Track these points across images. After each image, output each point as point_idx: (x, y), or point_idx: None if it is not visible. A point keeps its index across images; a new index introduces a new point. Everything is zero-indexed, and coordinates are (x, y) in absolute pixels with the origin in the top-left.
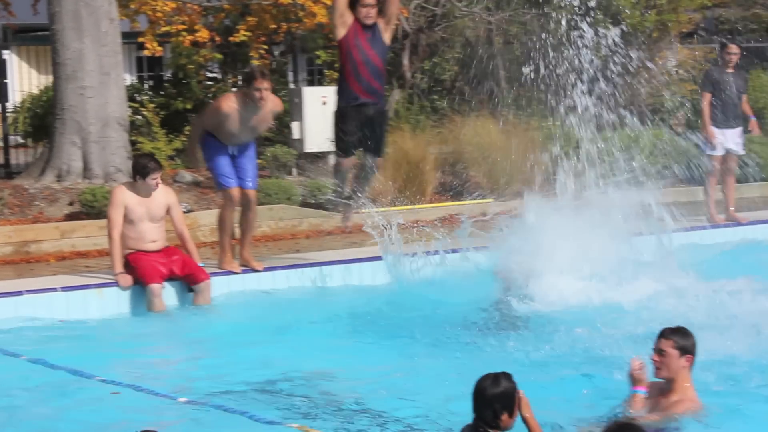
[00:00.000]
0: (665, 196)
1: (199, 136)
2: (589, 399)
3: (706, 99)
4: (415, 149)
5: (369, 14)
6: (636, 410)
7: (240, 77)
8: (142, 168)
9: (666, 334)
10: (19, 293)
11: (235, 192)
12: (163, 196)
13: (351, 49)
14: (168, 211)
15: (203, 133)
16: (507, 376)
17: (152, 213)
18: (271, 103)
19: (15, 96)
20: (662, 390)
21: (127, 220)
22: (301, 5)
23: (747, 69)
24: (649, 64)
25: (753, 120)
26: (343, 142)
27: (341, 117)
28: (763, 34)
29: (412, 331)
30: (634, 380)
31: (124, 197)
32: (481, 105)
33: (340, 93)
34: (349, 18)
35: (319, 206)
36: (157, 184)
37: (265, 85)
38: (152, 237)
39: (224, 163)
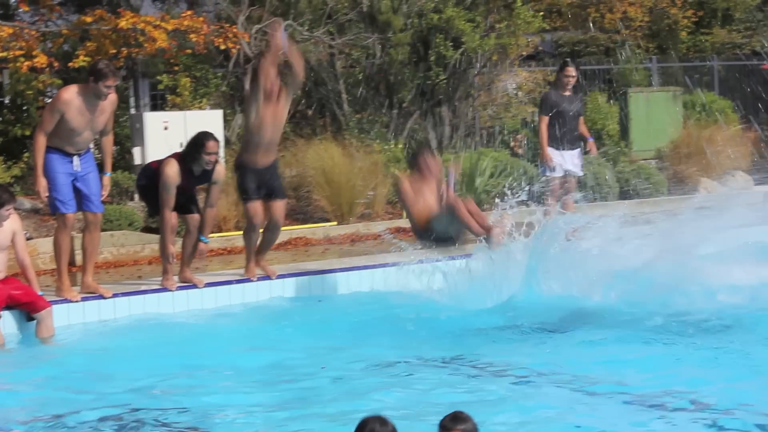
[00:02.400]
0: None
1: (43, 148)
2: None
3: (544, 121)
4: None
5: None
6: None
7: None
8: None
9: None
10: None
11: (70, 217)
12: (9, 223)
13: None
14: (12, 238)
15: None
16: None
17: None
18: (114, 97)
19: None
20: None
21: None
22: (141, 30)
23: (586, 91)
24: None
25: (591, 141)
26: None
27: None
28: (601, 57)
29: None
30: None
31: None
32: (324, 129)
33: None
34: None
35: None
36: (8, 215)
37: (115, 83)
38: None
39: (64, 185)
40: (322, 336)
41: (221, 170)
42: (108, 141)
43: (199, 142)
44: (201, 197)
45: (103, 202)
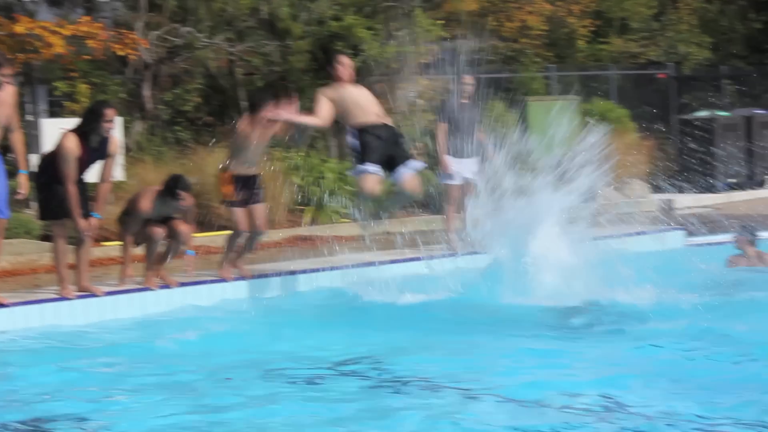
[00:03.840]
0: (406, 224)
1: None
2: None
3: (442, 129)
4: (157, 181)
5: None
6: None
7: None
8: None
9: None
10: None
11: None
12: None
13: None
14: None
15: None
16: None
17: None
18: (12, 89)
19: None
20: None
21: None
22: (37, 36)
23: (486, 99)
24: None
25: (490, 146)
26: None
27: None
28: (500, 65)
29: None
30: None
31: None
32: (224, 136)
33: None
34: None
35: None
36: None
37: (11, 73)
38: None
39: None
40: (225, 344)
41: (116, 143)
42: (17, 137)
43: (98, 110)
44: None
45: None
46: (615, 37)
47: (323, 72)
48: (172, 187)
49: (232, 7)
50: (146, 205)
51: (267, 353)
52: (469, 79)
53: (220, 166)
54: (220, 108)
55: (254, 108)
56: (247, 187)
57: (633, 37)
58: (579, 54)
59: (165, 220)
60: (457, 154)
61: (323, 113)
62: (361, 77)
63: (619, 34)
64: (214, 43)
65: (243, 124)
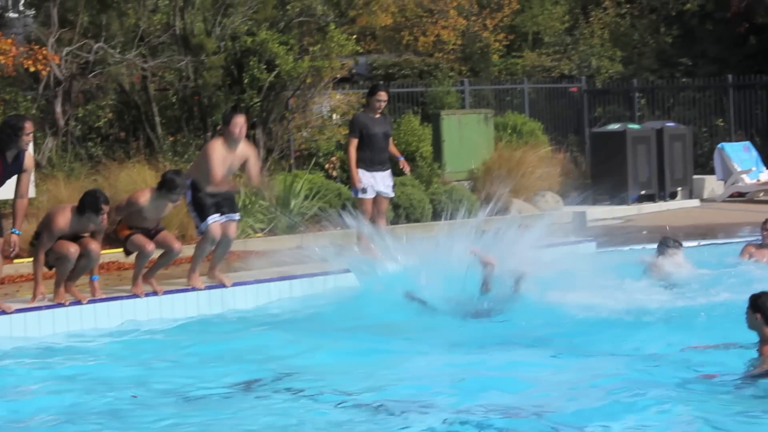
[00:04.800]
0: (319, 238)
1: None
2: None
3: (353, 144)
4: (69, 198)
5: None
6: None
7: None
8: None
9: None
10: None
11: None
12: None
13: None
14: None
15: None
16: None
17: None
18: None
19: None
20: None
21: None
22: None
23: (401, 113)
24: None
25: (401, 159)
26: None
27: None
28: (415, 79)
29: None
30: None
31: None
32: (137, 152)
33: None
34: None
35: None
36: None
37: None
38: None
39: None
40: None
41: (30, 158)
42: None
43: (17, 125)
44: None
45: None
46: (528, 52)
47: (237, 87)
48: (92, 203)
49: (146, 23)
50: (62, 222)
51: (170, 375)
52: (382, 95)
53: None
54: (133, 124)
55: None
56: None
57: (546, 51)
58: (493, 68)
59: (75, 238)
60: (371, 168)
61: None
62: (276, 92)
63: (533, 49)
64: (127, 58)
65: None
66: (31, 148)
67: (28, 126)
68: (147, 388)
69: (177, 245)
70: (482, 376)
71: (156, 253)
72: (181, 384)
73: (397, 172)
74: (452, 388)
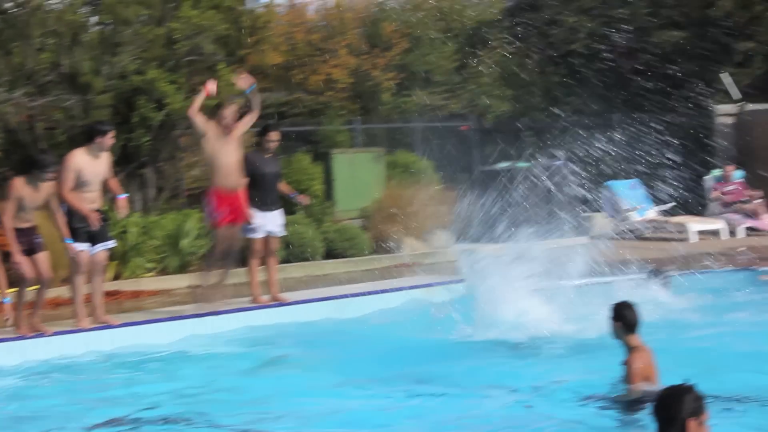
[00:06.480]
0: (210, 278)
1: None
2: None
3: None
4: None
5: None
6: None
7: None
8: None
9: None
10: None
11: None
12: None
13: None
14: None
15: None
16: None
17: None
18: None
19: None
20: None
21: None
22: None
23: (293, 151)
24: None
25: (297, 195)
26: None
27: None
28: (306, 118)
29: None
30: None
31: None
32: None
33: None
34: None
35: None
36: None
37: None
38: None
39: None
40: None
41: None
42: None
43: None
44: None
45: None
46: (419, 90)
47: (126, 126)
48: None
49: (32, 62)
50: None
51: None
52: (274, 135)
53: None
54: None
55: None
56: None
57: (436, 90)
58: (384, 107)
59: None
60: (262, 207)
61: None
62: (166, 131)
63: (423, 87)
64: (14, 97)
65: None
66: None
67: None
68: None
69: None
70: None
71: None
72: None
73: (291, 211)
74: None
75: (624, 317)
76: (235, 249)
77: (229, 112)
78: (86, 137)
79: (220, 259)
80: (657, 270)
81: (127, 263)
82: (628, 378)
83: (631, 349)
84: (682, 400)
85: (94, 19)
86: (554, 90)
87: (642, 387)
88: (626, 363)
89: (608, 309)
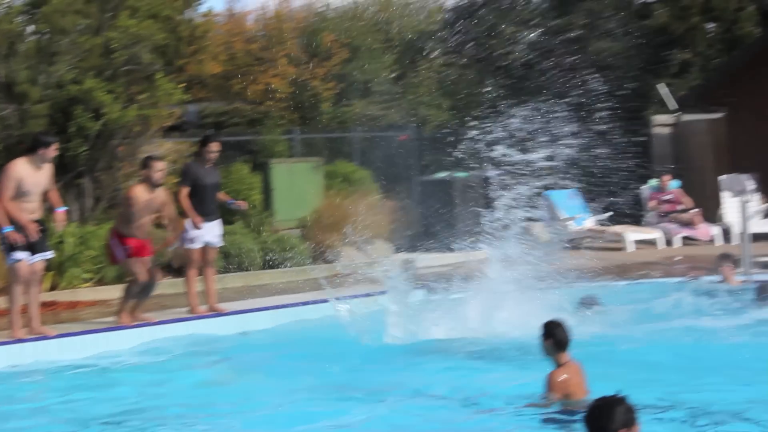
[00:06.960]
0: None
1: None
2: None
3: (185, 192)
4: None
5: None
6: None
7: None
8: None
9: None
10: None
11: None
12: None
13: None
14: None
15: None
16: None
17: None
18: None
19: None
20: None
21: None
22: None
23: (231, 161)
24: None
25: (235, 202)
26: None
27: None
28: (245, 127)
29: None
30: None
31: None
32: None
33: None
34: None
35: None
36: None
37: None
38: None
39: None
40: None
41: None
42: None
43: None
44: None
45: None
46: (358, 100)
47: (63, 135)
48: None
49: None
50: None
51: None
52: (214, 146)
53: None
54: None
55: None
56: None
57: (375, 100)
58: (323, 116)
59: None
60: (201, 217)
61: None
62: (103, 140)
63: (362, 97)
64: None
65: None
66: None
67: None
68: None
69: None
70: None
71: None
72: None
73: (229, 221)
74: None
75: (555, 335)
76: (153, 279)
77: (160, 165)
78: (29, 148)
79: (140, 291)
80: (587, 301)
81: (64, 273)
82: (547, 388)
83: (559, 366)
84: (613, 412)
85: (30, 28)
86: (493, 100)
87: (556, 398)
88: (549, 375)
89: (539, 328)
